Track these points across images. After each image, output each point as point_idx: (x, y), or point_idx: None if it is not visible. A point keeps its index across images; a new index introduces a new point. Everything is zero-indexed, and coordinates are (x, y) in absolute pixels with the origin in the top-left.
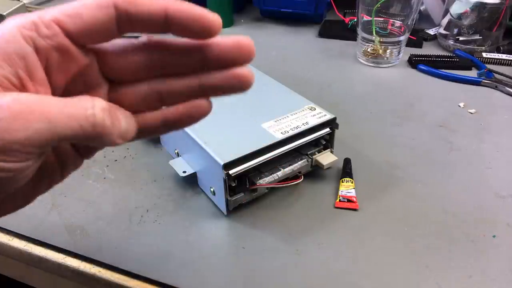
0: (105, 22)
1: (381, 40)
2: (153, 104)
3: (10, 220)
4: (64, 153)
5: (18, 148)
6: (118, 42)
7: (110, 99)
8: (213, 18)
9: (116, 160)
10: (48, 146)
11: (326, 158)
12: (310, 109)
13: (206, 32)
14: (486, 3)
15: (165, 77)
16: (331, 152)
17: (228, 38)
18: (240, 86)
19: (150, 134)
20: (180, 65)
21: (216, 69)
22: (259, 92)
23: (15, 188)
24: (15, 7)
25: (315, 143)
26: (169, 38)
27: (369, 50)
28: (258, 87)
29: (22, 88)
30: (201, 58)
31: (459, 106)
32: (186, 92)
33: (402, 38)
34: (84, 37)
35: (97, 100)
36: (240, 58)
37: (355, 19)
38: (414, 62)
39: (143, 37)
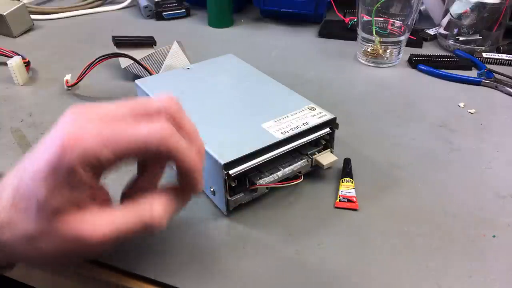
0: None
1: (381, 40)
2: None
3: None
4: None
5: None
6: None
7: None
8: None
9: None
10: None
11: (326, 158)
12: (310, 109)
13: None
14: (486, 3)
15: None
16: (331, 152)
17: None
18: None
19: None
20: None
21: None
22: (259, 92)
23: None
24: (15, 7)
25: (315, 143)
26: None
27: (369, 50)
28: (258, 87)
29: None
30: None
31: (459, 106)
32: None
33: (402, 38)
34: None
35: (155, 210)
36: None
37: (355, 19)
38: (414, 62)
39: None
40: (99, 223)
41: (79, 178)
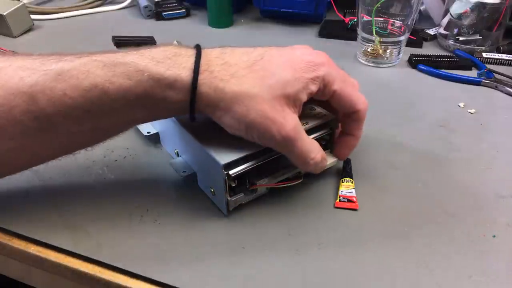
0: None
1: (381, 40)
2: None
3: (10, 220)
4: None
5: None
6: None
7: None
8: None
9: (116, 160)
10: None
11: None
12: (310, 109)
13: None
14: (486, 3)
15: None
16: (331, 152)
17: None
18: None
19: None
20: None
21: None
22: None
23: None
24: (15, 7)
25: None
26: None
27: (369, 50)
28: None
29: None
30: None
31: (459, 106)
32: None
33: (402, 38)
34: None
35: (321, 153)
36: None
37: (355, 19)
38: (414, 62)
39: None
40: (300, 127)
41: (315, 90)
